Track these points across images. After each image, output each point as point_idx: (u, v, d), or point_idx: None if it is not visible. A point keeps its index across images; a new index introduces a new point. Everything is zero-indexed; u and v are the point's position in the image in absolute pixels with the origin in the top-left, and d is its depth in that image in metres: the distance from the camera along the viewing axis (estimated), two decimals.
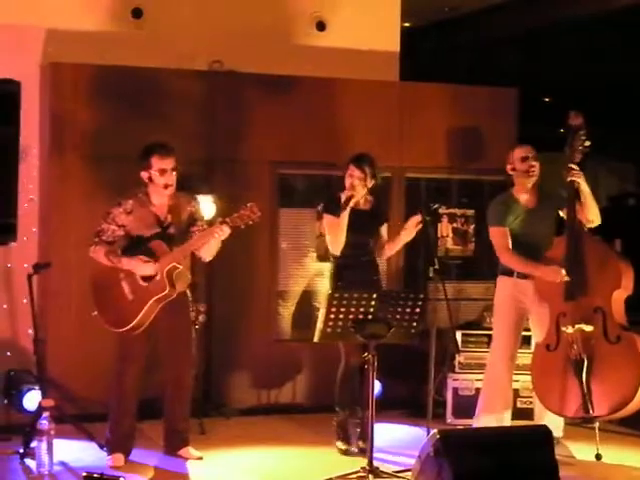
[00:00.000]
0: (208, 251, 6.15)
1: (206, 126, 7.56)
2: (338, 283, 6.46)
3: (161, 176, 6.08)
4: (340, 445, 6.56)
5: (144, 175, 6.11)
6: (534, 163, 6.56)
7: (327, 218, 6.53)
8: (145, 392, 6.30)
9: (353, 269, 6.48)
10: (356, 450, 6.48)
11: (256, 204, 5.98)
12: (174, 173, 6.11)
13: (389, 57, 8.45)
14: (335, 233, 6.44)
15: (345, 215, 6.38)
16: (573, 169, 6.31)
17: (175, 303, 6.11)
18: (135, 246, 6.09)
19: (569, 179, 6.32)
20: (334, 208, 6.48)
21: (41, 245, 7.36)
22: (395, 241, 6.61)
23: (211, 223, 6.29)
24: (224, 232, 5.98)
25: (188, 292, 6.29)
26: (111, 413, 6.21)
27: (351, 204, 6.39)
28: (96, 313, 6.13)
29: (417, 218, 6.39)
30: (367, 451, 5.91)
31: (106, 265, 6.08)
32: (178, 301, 6.14)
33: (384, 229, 6.70)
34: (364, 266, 6.56)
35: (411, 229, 6.43)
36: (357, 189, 6.44)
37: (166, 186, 6.09)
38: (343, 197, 6.44)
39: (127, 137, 7.11)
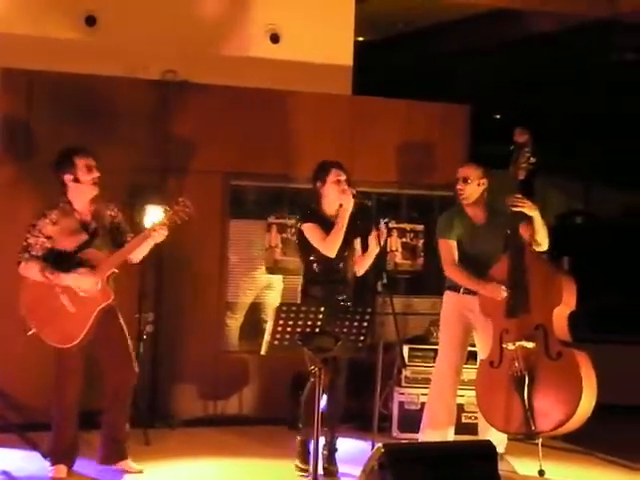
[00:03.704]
0: (139, 253, 6.12)
1: (159, 136, 7.54)
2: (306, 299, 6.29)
3: (89, 173, 5.99)
4: (300, 464, 6.39)
5: (68, 178, 5.98)
6: (460, 187, 6.58)
7: (309, 227, 6.34)
8: (89, 403, 6.23)
9: (322, 285, 6.37)
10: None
11: (191, 203, 5.98)
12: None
13: (342, 71, 8.46)
14: (334, 233, 6.28)
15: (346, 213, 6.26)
16: (516, 200, 6.28)
17: (107, 311, 6.04)
18: (68, 260, 5.94)
19: (514, 210, 6.30)
20: (314, 218, 6.36)
21: None
22: (362, 258, 6.48)
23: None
24: (159, 235, 5.96)
25: None
26: (54, 426, 6.10)
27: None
28: (33, 331, 5.93)
29: (373, 233, 6.37)
30: (313, 464, 5.84)
31: (38, 281, 5.91)
32: (109, 309, 6.08)
33: (357, 242, 6.55)
34: (333, 285, 6.42)
35: (373, 245, 6.35)
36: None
37: (94, 182, 6.00)
38: (345, 202, 6.27)
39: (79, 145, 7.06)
